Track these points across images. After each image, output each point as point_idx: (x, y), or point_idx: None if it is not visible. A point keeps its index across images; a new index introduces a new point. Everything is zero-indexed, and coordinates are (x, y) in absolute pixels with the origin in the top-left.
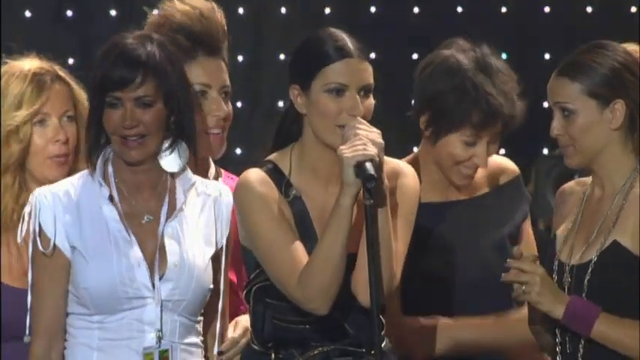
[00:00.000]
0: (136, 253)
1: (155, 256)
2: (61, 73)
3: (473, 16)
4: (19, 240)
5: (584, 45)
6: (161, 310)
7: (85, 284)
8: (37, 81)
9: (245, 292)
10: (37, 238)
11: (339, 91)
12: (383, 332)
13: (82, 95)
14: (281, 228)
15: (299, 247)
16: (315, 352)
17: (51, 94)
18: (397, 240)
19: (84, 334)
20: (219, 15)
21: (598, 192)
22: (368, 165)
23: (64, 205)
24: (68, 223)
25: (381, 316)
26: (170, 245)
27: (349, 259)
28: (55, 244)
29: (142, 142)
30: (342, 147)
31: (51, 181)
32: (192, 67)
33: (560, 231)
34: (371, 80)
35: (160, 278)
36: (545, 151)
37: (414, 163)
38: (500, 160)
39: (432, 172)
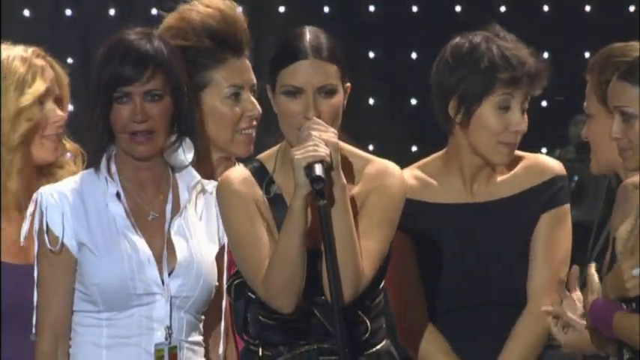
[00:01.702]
0: (145, 249)
1: (163, 253)
2: (49, 58)
3: (471, 15)
4: (22, 239)
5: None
6: (170, 307)
7: (95, 280)
8: (40, 64)
9: (227, 286)
10: (45, 236)
11: (293, 93)
12: (367, 335)
13: (66, 81)
14: (253, 227)
15: (269, 246)
16: (303, 349)
17: (48, 77)
18: (371, 239)
19: (92, 332)
20: (241, 14)
21: None
22: (317, 167)
23: (71, 202)
24: (75, 220)
25: (365, 317)
26: (178, 242)
27: (318, 255)
28: (62, 242)
29: (150, 137)
30: (293, 149)
31: (46, 161)
32: (221, 69)
33: (621, 233)
34: (330, 81)
35: (169, 274)
36: (544, 150)
37: (436, 166)
38: (543, 160)
39: (460, 171)
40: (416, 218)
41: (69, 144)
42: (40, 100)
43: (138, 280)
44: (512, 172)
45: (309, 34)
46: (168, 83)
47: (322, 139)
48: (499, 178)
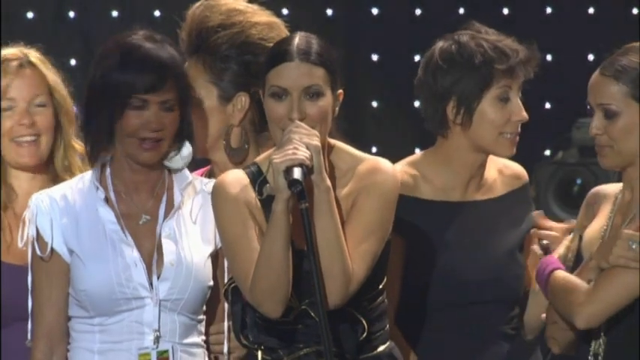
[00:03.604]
0: (133, 253)
1: (153, 256)
2: (34, 59)
3: (474, 17)
4: (20, 245)
5: (629, 45)
6: (159, 310)
7: (83, 286)
8: (13, 66)
9: (224, 290)
10: (35, 243)
11: (279, 95)
12: (364, 336)
13: (56, 81)
14: (245, 231)
15: (257, 251)
16: (302, 353)
17: (16, 79)
18: (362, 239)
19: (85, 337)
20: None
21: (628, 195)
22: (295, 170)
23: (62, 208)
24: (65, 226)
25: (362, 319)
26: (167, 245)
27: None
28: (52, 248)
29: (158, 145)
30: (274, 153)
31: (22, 165)
32: None
33: (588, 235)
34: (315, 82)
35: (158, 278)
36: (547, 152)
37: (427, 164)
38: (514, 165)
39: (455, 171)
40: (408, 214)
41: (79, 146)
42: (7, 106)
43: (125, 285)
44: (492, 175)
45: (298, 38)
46: (179, 93)
47: (303, 142)
48: (488, 180)
